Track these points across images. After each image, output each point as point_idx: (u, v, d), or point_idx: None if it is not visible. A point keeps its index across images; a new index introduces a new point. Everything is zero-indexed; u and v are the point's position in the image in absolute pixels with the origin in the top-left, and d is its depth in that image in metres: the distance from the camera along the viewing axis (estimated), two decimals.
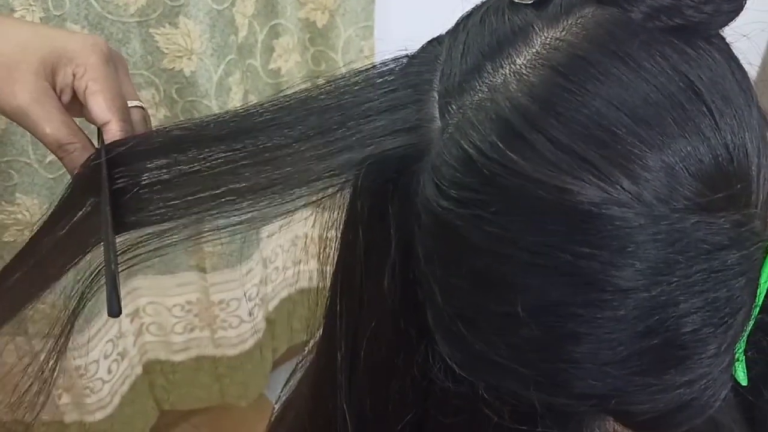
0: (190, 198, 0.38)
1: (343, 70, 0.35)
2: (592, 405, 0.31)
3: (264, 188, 0.35)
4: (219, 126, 0.39)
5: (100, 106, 0.47)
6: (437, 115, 0.31)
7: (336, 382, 0.36)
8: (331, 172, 0.34)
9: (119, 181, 0.42)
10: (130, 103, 0.50)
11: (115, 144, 0.45)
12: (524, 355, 0.30)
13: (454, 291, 0.31)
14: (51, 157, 1.03)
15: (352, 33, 1.33)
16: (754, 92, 0.33)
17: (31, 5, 0.98)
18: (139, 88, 1.15)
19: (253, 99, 1.30)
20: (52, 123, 0.46)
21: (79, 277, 0.45)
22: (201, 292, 1.39)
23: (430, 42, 0.35)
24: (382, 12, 1.36)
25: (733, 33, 0.33)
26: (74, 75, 0.47)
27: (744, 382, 0.32)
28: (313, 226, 0.36)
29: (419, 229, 0.31)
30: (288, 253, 1.56)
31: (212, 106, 1.18)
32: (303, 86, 0.36)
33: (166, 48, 1.12)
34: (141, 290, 1.36)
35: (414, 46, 0.36)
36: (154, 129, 0.48)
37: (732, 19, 0.31)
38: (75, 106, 0.49)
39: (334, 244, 0.36)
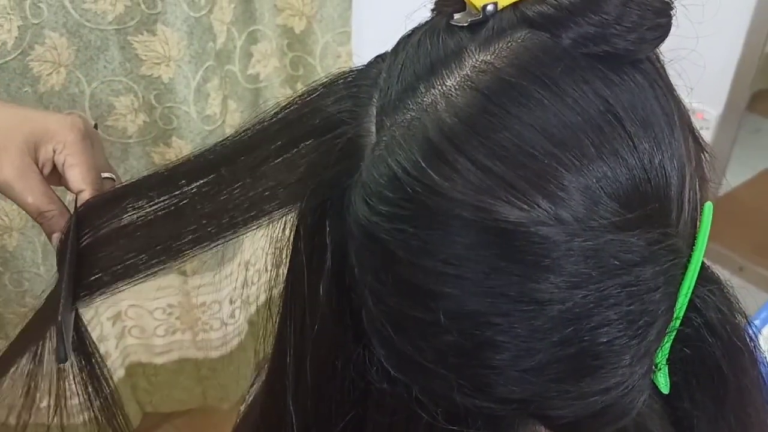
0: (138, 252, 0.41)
1: (321, 76, 0.36)
2: (513, 409, 0.32)
3: (218, 227, 0.38)
4: (170, 170, 0.42)
5: (76, 177, 0.53)
6: (374, 130, 0.32)
7: (285, 382, 0.37)
8: (278, 203, 0.36)
9: (86, 238, 0.47)
10: (103, 175, 0.56)
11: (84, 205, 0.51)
12: (447, 359, 0.31)
13: (383, 298, 0.32)
14: None
15: (330, 39, 1.35)
16: (683, 115, 0.34)
17: (9, 14, 0.99)
18: (117, 94, 1.17)
19: (232, 104, 1.32)
20: (33, 194, 0.53)
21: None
22: (182, 295, 1.40)
23: (374, 58, 0.35)
24: (359, 18, 1.38)
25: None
26: (54, 151, 0.54)
27: (665, 390, 0.33)
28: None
29: (351, 240, 0.32)
30: (270, 255, 1.57)
31: (191, 111, 1.19)
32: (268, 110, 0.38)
33: (145, 55, 1.13)
34: (122, 293, 1.37)
35: None
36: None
37: (657, 45, 0.32)
38: (55, 176, 0.55)
39: (287, 251, 0.38)
